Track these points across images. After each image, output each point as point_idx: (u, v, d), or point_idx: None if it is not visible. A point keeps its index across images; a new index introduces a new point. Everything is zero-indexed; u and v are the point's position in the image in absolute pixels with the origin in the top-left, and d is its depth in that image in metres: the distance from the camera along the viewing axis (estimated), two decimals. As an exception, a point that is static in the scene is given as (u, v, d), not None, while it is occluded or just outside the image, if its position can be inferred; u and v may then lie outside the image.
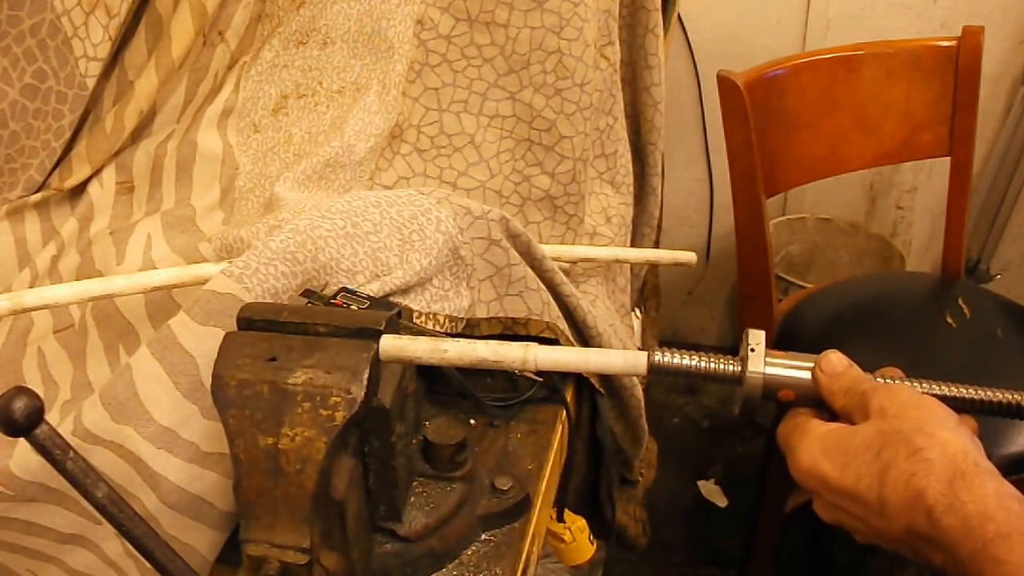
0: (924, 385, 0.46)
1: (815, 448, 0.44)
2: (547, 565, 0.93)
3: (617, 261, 0.76)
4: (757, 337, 0.46)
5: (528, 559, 0.53)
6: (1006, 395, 0.45)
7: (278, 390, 0.42)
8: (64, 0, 0.75)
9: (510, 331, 0.62)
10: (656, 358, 0.46)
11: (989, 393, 0.45)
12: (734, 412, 0.48)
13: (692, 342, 2.06)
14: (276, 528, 0.42)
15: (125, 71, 0.82)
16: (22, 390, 0.36)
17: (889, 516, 0.40)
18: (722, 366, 0.46)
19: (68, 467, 0.38)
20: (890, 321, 1.23)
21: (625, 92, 0.86)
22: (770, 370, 0.45)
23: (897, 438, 0.41)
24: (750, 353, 0.45)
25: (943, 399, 0.45)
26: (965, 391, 0.45)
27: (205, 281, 0.54)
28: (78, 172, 0.80)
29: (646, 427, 0.75)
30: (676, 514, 1.63)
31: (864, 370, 0.47)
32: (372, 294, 0.55)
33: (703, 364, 0.46)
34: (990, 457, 0.41)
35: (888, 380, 0.46)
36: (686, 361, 0.46)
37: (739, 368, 0.46)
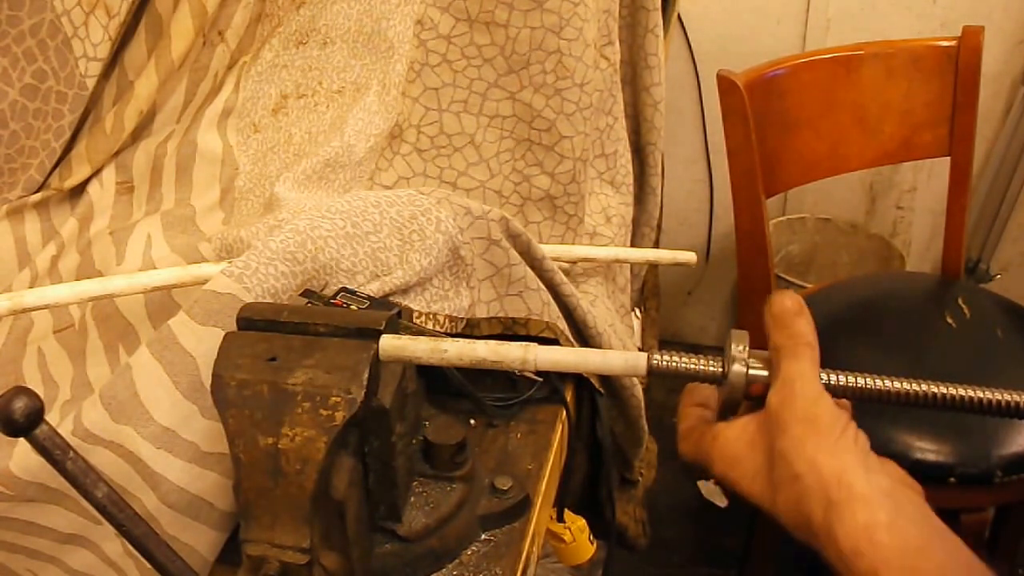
0: (913, 385, 0.45)
1: (722, 461, 0.46)
2: (547, 565, 0.93)
3: (617, 261, 0.76)
4: (741, 338, 0.46)
5: (528, 559, 0.53)
6: (1003, 395, 0.45)
7: (278, 390, 0.42)
8: (64, 0, 0.75)
9: (510, 331, 0.62)
10: (654, 361, 0.46)
11: (985, 393, 0.45)
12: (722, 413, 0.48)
13: (692, 342, 2.06)
14: (276, 528, 0.42)
15: (125, 71, 0.82)
16: (22, 390, 0.36)
17: (796, 532, 0.42)
18: (704, 367, 0.46)
19: (68, 467, 0.38)
20: (890, 321, 1.23)
21: (625, 92, 0.86)
22: (753, 372, 0.45)
23: (782, 460, 0.42)
24: (732, 354, 0.45)
25: (934, 399, 0.45)
26: (959, 391, 0.45)
27: (205, 281, 0.54)
28: (78, 172, 0.80)
29: (646, 427, 0.75)
30: (676, 514, 1.63)
31: (860, 371, 0.47)
32: (372, 294, 0.55)
33: (693, 366, 0.46)
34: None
35: (842, 377, 0.46)
36: (683, 364, 0.46)
37: (720, 369, 0.46)
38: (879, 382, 0.46)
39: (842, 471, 0.40)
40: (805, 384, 0.43)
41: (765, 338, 0.47)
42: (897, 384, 0.45)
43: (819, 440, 0.41)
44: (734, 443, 0.45)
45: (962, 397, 0.45)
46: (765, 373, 0.46)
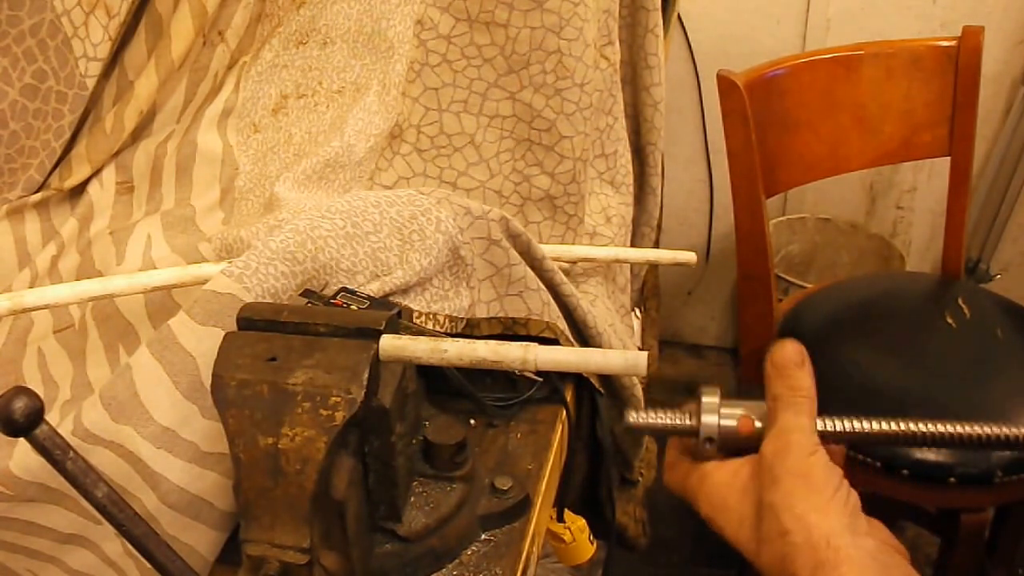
0: (911, 425, 0.45)
1: (709, 505, 0.46)
2: (547, 565, 0.93)
3: (617, 261, 0.76)
4: (711, 393, 0.47)
5: (528, 559, 0.53)
6: (992, 429, 0.44)
7: (278, 390, 0.42)
8: (64, 0, 0.75)
9: (510, 331, 0.62)
10: (631, 419, 0.47)
11: (986, 429, 0.44)
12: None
13: (692, 342, 2.06)
14: (276, 528, 0.42)
15: (125, 71, 0.82)
16: (22, 390, 0.36)
17: None
18: (680, 421, 0.47)
19: (68, 467, 0.38)
20: (890, 321, 1.23)
21: (625, 92, 0.86)
22: (724, 422, 0.46)
23: (771, 514, 0.42)
24: (702, 407, 0.46)
25: (933, 438, 0.45)
26: (957, 428, 0.45)
27: (205, 281, 0.54)
28: (78, 172, 0.80)
29: (646, 427, 0.75)
30: (676, 514, 1.62)
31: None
32: (372, 294, 0.55)
33: (669, 421, 0.47)
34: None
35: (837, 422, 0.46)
36: (659, 419, 0.47)
37: (694, 422, 0.46)
38: (876, 424, 0.45)
39: (831, 532, 0.40)
40: (802, 436, 0.43)
41: (762, 346, 0.46)
42: (895, 425, 0.45)
43: (810, 497, 0.41)
44: (723, 488, 0.45)
45: (962, 435, 0.44)
46: (734, 424, 0.46)
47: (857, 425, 0.45)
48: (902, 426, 0.45)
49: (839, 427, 0.45)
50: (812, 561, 0.39)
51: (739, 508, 0.44)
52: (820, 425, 0.45)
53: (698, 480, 0.47)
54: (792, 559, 0.40)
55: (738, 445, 0.46)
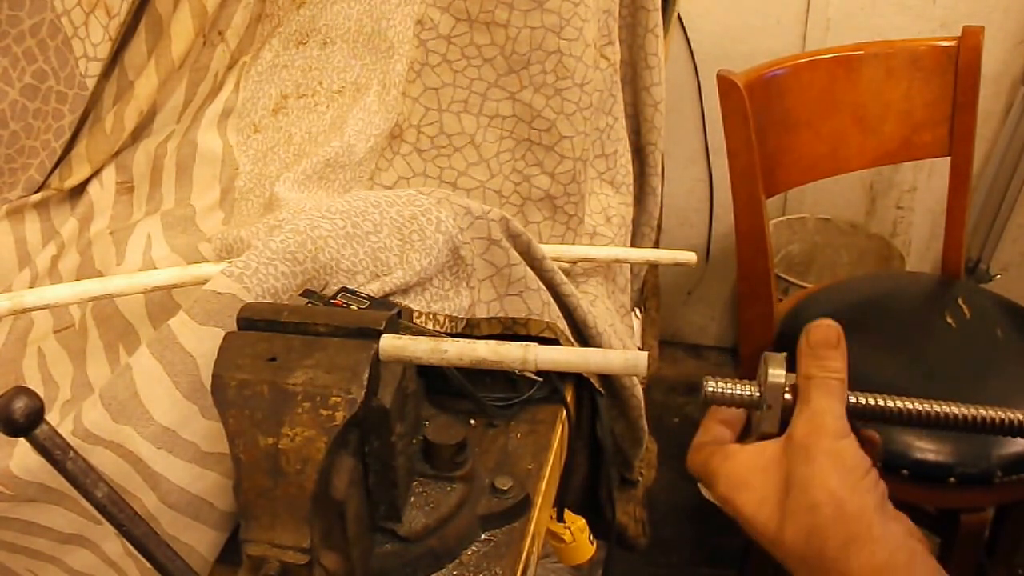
0: (909, 404, 0.45)
1: (728, 484, 0.46)
2: (547, 565, 0.93)
3: (617, 261, 0.76)
4: (778, 364, 0.46)
5: (528, 559, 0.53)
6: (999, 413, 0.44)
7: (278, 390, 0.42)
8: (64, 0, 0.75)
9: (510, 331, 0.62)
10: (709, 388, 0.46)
11: (982, 411, 0.44)
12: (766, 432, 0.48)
13: (692, 342, 2.06)
14: (276, 528, 0.42)
15: (125, 71, 0.82)
16: (22, 390, 0.36)
17: (798, 564, 0.42)
18: (752, 392, 0.46)
19: (68, 467, 0.38)
20: (890, 321, 1.23)
21: (625, 92, 0.86)
22: (789, 395, 0.46)
23: (800, 488, 0.42)
24: (770, 378, 0.45)
25: (933, 418, 0.45)
26: (957, 410, 0.45)
27: (205, 281, 0.54)
28: (78, 172, 0.80)
29: (646, 427, 0.75)
30: (676, 514, 1.63)
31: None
32: (372, 294, 0.55)
33: (742, 392, 0.46)
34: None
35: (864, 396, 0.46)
36: (733, 390, 0.46)
37: (757, 394, 0.46)
38: (904, 404, 0.45)
39: (863, 508, 0.40)
40: (835, 421, 0.43)
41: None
42: (923, 406, 0.45)
43: (844, 475, 0.41)
44: (745, 466, 0.45)
45: (954, 416, 0.44)
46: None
47: (886, 403, 0.45)
48: (932, 408, 0.45)
49: (870, 403, 0.45)
50: (843, 534, 0.40)
51: (761, 487, 0.44)
52: (852, 399, 0.45)
53: (720, 459, 0.47)
54: (821, 532, 0.40)
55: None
